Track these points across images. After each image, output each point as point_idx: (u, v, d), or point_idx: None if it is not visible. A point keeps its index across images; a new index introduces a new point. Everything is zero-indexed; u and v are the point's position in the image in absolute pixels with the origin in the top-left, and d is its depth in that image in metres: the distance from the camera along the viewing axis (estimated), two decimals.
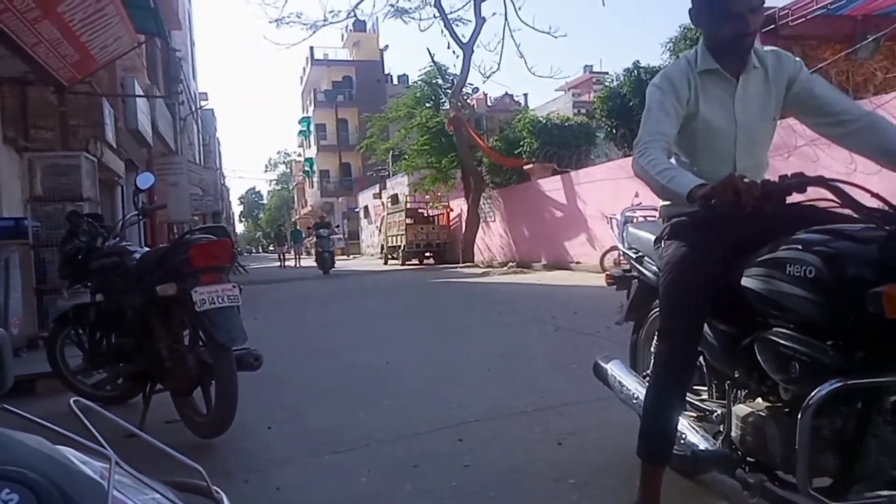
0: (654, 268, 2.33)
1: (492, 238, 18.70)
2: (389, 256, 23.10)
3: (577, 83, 31.28)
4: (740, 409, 1.87)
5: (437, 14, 17.71)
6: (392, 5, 18.63)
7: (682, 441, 2.00)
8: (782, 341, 1.64)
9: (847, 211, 1.64)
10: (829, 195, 1.63)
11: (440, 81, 20.06)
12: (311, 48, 44.43)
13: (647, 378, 2.41)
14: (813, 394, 1.50)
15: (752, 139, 2.05)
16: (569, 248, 14.41)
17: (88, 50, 6.80)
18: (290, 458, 2.97)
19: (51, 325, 4.52)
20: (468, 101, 20.24)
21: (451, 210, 21.61)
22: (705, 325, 1.93)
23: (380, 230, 26.39)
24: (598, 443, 2.89)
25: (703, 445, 1.97)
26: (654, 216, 2.57)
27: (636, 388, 2.40)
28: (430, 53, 33.89)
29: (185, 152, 19.19)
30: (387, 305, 9.65)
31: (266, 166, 74.46)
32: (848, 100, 2.07)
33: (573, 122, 17.02)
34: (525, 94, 36.44)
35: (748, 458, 1.84)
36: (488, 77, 27.34)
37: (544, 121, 16.65)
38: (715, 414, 2.08)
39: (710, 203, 1.63)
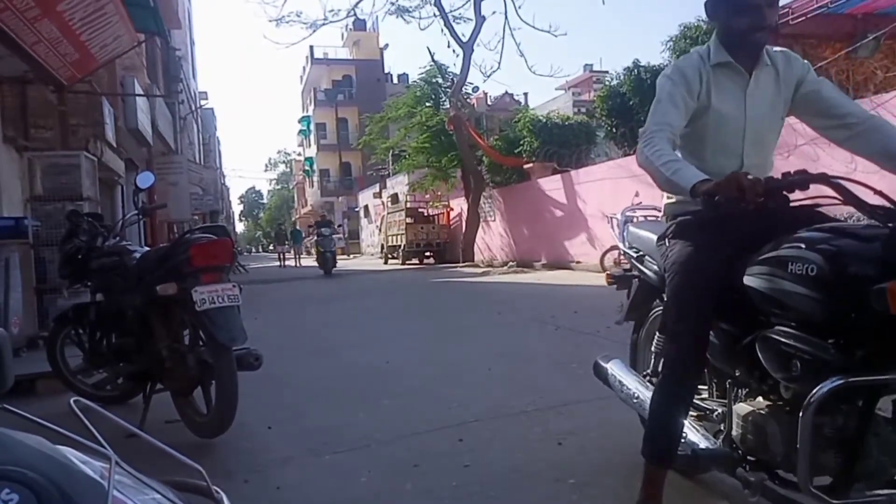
0: (655, 267, 2.33)
1: (492, 237, 18.69)
2: (389, 256, 23.07)
3: (578, 82, 31.24)
4: (741, 408, 1.86)
5: (438, 13, 17.68)
6: (392, 3, 18.60)
7: (683, 440, 1.99)
8: (783, 339, 1.64)
9: (849, 208, 1.64)
10: (832, 192, 1.63)
11: (440, 80, 20.01)
12: (311, 47, 44.43)
13: (648, 378, 2.42)
14: (814, 392, 1.50)
15: (760, 135, 2.05)
16: (569, 247, 14.41)
17: (88, 49, 6.80)
18: (291, 457, 2.97)
19: (51, 325, 4.51)
20: (468, 100, 20.21)
21: (451, 209, 21.60)
22: None
23: (380, 230, 26.38)
24: (598, 442, 2.88)
25: (703, 444, 1.97)
26: (655, 216, 2.58)
27: (636, 387, 2.39)
28: (430, 52, 34.08)
29: (185, 151, 19.18)
30: (387, 305, 9.65)
31: (266, 165, 74.72)
32: (852, 103, 2.07)
33: (573, 121, 16.99)
34: (525, 93, 36.43)
35: (749, 457, 1.84)
36: (488, 76, 27.42)
37: (544, 120, 16.62)
38: (715, 413, 2.08)
39: (714, 199, 1.63)
